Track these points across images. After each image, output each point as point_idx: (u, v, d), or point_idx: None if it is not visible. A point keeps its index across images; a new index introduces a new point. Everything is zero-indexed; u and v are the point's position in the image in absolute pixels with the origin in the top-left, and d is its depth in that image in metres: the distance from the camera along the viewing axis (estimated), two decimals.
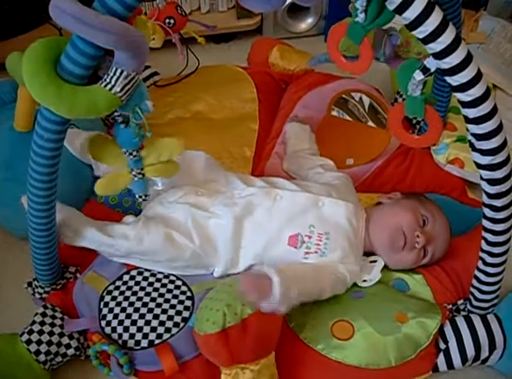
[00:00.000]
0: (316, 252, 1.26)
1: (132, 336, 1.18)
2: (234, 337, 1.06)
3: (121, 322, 1.19)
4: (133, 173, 1.16)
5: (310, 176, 1.45)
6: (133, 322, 1.19)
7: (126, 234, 1.25)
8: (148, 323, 1.19)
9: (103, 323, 1.20)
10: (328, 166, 1.48)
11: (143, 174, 1.17)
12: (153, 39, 1.40)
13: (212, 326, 1.06)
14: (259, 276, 1.12)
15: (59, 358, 1.18)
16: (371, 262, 1.33)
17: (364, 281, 1.30)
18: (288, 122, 1.63)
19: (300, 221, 1.27)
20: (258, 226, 1.28)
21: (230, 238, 1.27)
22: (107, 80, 0.94)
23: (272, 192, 1.30)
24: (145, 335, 1.17)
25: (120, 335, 1.18)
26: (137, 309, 1.20)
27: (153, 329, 1.18)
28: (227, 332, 1.06)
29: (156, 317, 1.19)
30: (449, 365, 1.21)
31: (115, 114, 1.04)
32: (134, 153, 1.12)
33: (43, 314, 1.19)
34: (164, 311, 1.21)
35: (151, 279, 1.27)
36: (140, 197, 1.22)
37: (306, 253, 1.26)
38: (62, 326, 1.19)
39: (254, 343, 1.10)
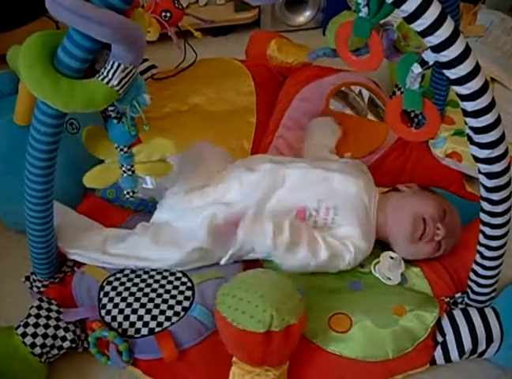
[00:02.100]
0: (323, 226, 1.27)
1: (132, 325, 1.18)
2: (275, 342, 1.06)
3: (121, 311, 1.20)
4: (123, 168, 1.16)
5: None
6: (134, 311, 1.19)
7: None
8: (148, 311, 1.19)
9: (103, 312, 1.21)
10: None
11: (133, 171, 1.17)
12: (149, 32, 1.39)
13: (256, 325, 1.05)
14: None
15: (55, 351, 1.18)
16: (391, 258, 1.33)
17: (389, 279, 1.30)
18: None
19: (308, 195, 1.29)
20: (267, 203, 1.28)
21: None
22: (104, 74, 0.94)
23: (280, 171, 1.31)
24: (146, 324, 1.18)
25: (120, 324, 1.18)
26: (137, 299, 1.21)
27: (154, 317, 1.18)
28: (271, 336, 1.06)
29: (156, 306, 1.20)
30: (447, 358, 1.21)
31: (109, 108, 1.03)
32: (125, 149, 1.13)
33: (39, 307, 1.19)
34: (165, 301, 1.21)
35: (151, 272, 1.27)
36: (127, 192, 1.22)
37: (314, 227, 1.27)
38: (57, 319, 1.19)
39: (289, 350, 1.11)
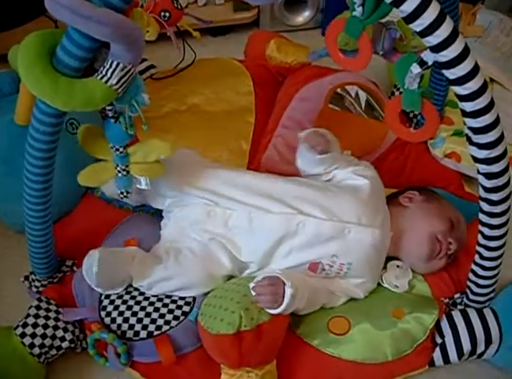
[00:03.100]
0: (334, 277, 1.26)
1: (131, 327, 1.18)
2: (247, 341, 1.07)
3: (121, 313, 1.20)
4: (118, 168, 1.16)
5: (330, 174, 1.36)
6: (134, 313, 1.20)
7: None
8: (148, 315, 1.19)
9: (103, 313, 1.21)
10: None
11: (127, 171, 1.17)
12: (147, 31, 1.39)
13: (226, 327, 1.06)
14: (274, 283, 1.13)
15: (54, 351, 1.17)
16: (398, 266, 1.33)
17: (396, 287, 1.30)
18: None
19: (323, 250, 1.23)
20: (280, 252, 1.24)
21: (257, 260, 1.25)
22: (103, 73, 0.94)
23: (294, 219, 1.22)
24: (145, 327, 1.18)
25: (119, 326, 1.19)
26: (138, 302, 1.22)
27: (153, 321, 1.19)
28: (242, 336, 1.07)
29: (156, 309, 1.20)
30: (446, 359, 1.21)
31: (107, 108, 1.03)
32: (121, 149, 1.12)
33: (38, 307, 1.19)
34: (165, 305, 1.22)
35: None
36: (122, 193, 1.21)
37: (325, 277, 1.26)
38: (56, 319, 1.19)
39: (265, 349, 1.11)
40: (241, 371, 1.11)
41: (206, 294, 1.22)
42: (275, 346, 1.15)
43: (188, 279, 1.23)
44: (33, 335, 1.16)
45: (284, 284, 1.13)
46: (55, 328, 1.18)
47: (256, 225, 1.23)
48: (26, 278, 1.30)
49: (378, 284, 1.31)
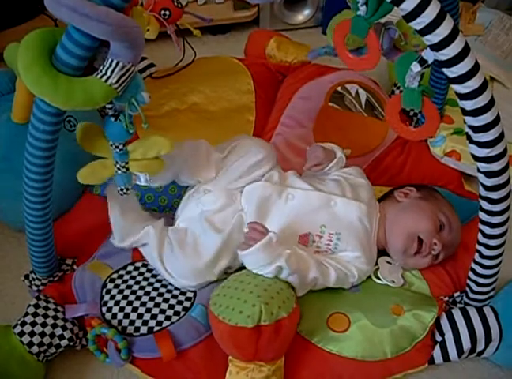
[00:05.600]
0: (326, 251, 1.27)
1: (132, 323, 1.18)
2: (265, 336, 1.07)
3: (122, 309, 1.20)
4: (118, 166, 1.16)
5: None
6: (134, 309, 1.20)
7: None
8: (148, 310, 1.20)
9: (104, 309, 1.21)
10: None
11: (127, 168, 1.16)
12: (148, 30, 1.39)
13: (246, 319, 1.06)
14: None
15: (53, 349, 1.17)
16: (387, 262, 1.34)
17: (393, 282, 1.30)
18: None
19: (311, 221, 1.27)
20: (269, 224, 1.25)
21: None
22: (103, 72, 0.94)
23: (284, 191, 1.29)
24: (145, 322, 1.18)
25: (120, 322, 1.19)
26: (138, 297, 1.22)
27: (153, 316, 1.19)
28: (260, 330, 1.07)
29: (157, 305, 1.21)
30: (446, 357, 1.21)
31: (107, 106, 1.03)
32: (120, 147, 1.12)
33: (36, 306, 1.19)
34: (166, 300, 1.22)
35: (155, 272, 1.27)
36: (121, 189, 1.21)
37: (316, 251, 1.27)
38: (55, 317, 1.18)
39: (280, 344, 1.11)
40: (253, 365, 1.11)
41: (208, 289, 1.23)
42: (289, 342, 1.15)
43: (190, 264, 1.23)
44: (32, 334, 1.15)
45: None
46: (54, 326, 1.17)
47: (253, 194, 1.29)
48: (26, 277, 1.30)
49: (377, 281, 1.31)
